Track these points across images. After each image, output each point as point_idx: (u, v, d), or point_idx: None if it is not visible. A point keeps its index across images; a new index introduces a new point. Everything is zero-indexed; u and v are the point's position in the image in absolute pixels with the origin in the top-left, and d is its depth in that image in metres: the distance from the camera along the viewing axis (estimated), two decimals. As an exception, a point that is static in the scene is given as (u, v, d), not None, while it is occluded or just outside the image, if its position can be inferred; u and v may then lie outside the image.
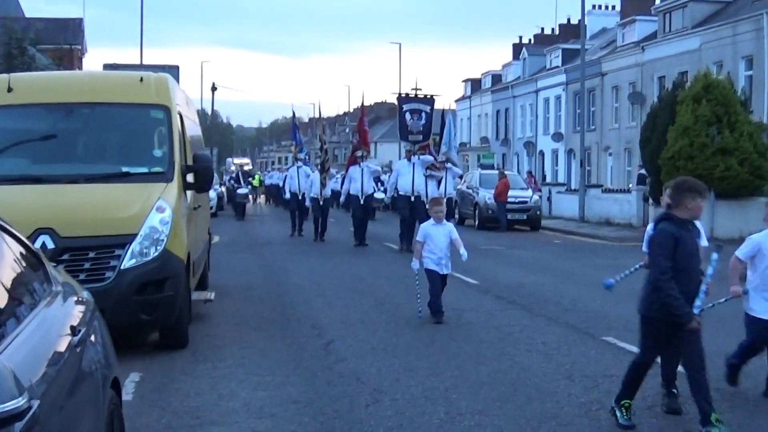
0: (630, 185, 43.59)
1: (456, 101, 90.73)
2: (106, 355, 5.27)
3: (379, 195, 34.79)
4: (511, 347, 11.70)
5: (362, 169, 28.56)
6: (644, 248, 9.63)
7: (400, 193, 26.66)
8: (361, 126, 30.28)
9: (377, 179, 40.71)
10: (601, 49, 64.10)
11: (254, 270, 21.10)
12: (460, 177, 33.40)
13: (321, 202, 30.39)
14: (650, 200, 35.76)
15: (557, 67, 68.34)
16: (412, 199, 25.69)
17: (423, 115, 27.50)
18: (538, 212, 38.91)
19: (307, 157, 37.62)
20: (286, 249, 27.38)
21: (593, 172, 59.57)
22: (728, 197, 30.94)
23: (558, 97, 68.09)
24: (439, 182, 27.08)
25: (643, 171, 38.42)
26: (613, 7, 70.50)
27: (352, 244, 27.75)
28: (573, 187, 50.54)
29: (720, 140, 30.56)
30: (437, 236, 13.82)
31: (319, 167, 31.36)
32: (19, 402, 3.17)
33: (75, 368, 4.41)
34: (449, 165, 27.49)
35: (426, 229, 13.93)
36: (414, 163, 26.11)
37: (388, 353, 11.24)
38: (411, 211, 25.50)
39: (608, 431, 7.96)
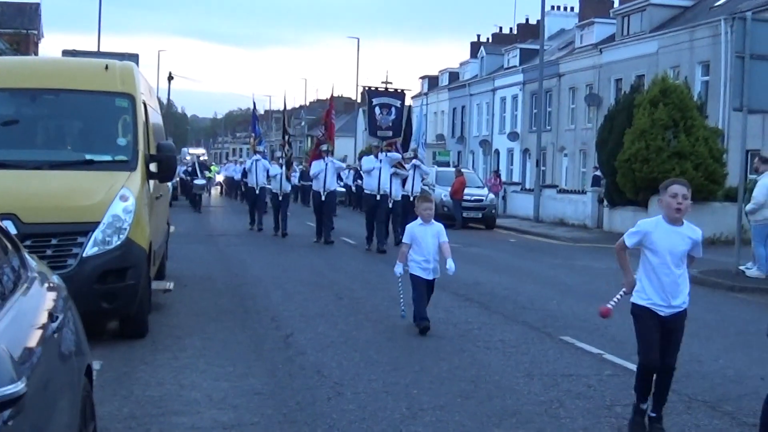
0: (584, 187, 43.85)
1: (412, 98, 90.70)
2: (80, 341, 5.28)
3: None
4: (470, 344, 11.77)
5: (326, 164, 26.79)
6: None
7: (366, 191, 26.01)
8: (328, 119, 28.71)
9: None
10: (559, 50, 64.41)
11: (212, 261, 21.07)
12: (428, 176, 32.01)
13: (280, 197, 29.56)
14: (605, 202, 36.06)
15: (515, 66, 68.58)
16: (378, 197, 25.02)
17: (393, 110, 26.85)
18: (493, 211, 39.10)
19: (265, 150, 36.97)
20: (242, 241, 27.38)
21: (548, 172, 59.87)
22: (683, 201, 31.17)
23: (515, 97, 68.33)
24: (404, 181, 26.61)
25: (598, 172, 38.73)
26: (572, 9, 70.91)
27: (312, 241, 26.94)
28: (528, 187, 50.78)
29: (676, 144, 30.84)
30: (425, 237, 12.65)
31: (283, 161, 30.26)
32: (18, 386, 3.18)
33: (54, 355, 4.42)
34: (416, 162, 27.05)
35: (412, 229, 12.73)
36: (381, 160, 25.35)
37: (348, 347, 11.28)
38: (376, 210, 24.93)
39: (568, 430, 8.03)
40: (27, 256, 5.26)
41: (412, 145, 27.26)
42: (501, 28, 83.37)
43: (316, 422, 7.95)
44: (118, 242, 10.81)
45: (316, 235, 26.96)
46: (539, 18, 46.50)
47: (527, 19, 77.52)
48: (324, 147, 27.23)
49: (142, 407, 8.28)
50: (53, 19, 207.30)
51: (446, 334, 12.38)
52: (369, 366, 10.22)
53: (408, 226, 12.98)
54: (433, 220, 12.94)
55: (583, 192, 41.09)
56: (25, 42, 53.01)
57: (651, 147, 30.96)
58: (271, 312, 13.81)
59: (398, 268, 12.85)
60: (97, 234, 10.71)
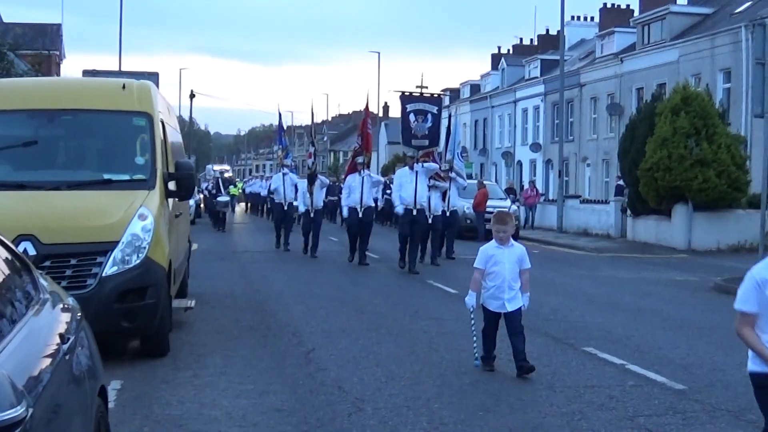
0: (607, 197, 43.73)
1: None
2: (93, 362, 5.26)
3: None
4: (492, 357, 11.70)
5: (362, 178, 24.49)
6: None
7: (400, 206, 23.55)
8: (365, 128, 26.05)
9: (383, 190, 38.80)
10: (580, 60, 64.35)
11: (234, 278, 21.07)
12: (464, 189, 29.66)
13: (312, 214, 27.14)
14: (628, 211, 35.93)
15: (536, 77, 68.51)
16: (414, 212, 22.99)
17: (429, 116, 24.51)
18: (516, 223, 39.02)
19: (293, 163, 35.29)
20: (265, 257, 27.33)
21: (571, 182, 59.77)
22: (706, 209, 31.11)
23: (536, 108, 68.24)
24: (444, 194, 25.18)
25: (621, 182, 38.60)
26: (592, 18, 70.84)
27: (346, 258, 25.16)
28: (551, 198, 50.66)
29: (698, 152, 30.70)
30: (502, 262, 10.59)
31: (307, 176, 27.94)
32: (18, 410, 3.17)
33: (65, 376, 4.41)
34: (453, 175, 25.40)
35: (487, 252, 10.68)
36: (417, 172, 23.15)
37: (369, 362, 11.23)
38: (412, 227, 22.89)
39: (590, 441, 7.97)
40: (39, 276, 5.24)
41: (448, 156, 25.87)
42: (521, 40, 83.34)
43: (336, 439, 7.92)
44: (138, 261, 10.80)
45: (350, 252, 25.06)
46: (559, 28, 46.44)
47: (547, 30, 77.49)
48: (360, 159, 25.09)
49: (162, 426, 8.26)
50: (75, 39, 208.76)
51: (468, 347, 12.26)
52: (390, 381, 10.17)
53: (482, 249, 10.83)
54: (513, 241, 10.90)
55: (606, 202, 40.99)
56: (47, 63, 53.34)
57: (673, 155, 30.84)
58: (292, 328, 13.78)
59: (470, 299, 10.84)
60: (117, 253, 10.71)
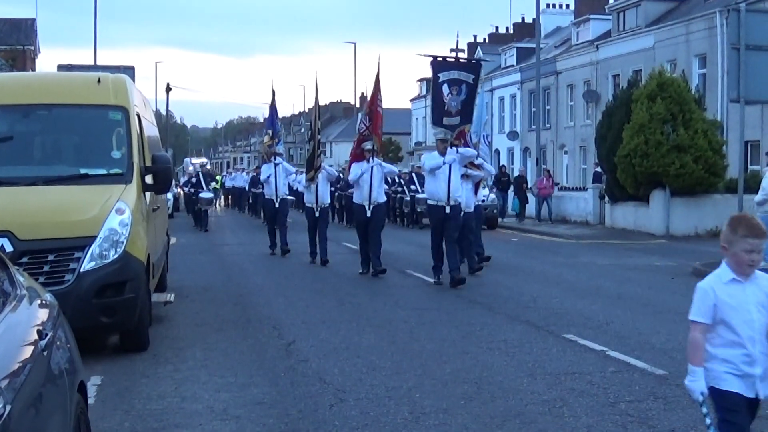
0: (585, 184, 43.79)
1: (411, 100, 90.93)
2: (71, 358, 5.23)
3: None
4: (473, 345, 11.71)
5: (371, 168, 20.03)
6: None
7: (430, 201, 18.41)
8: (374, 106, 20.86)
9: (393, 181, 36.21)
10: (556, 47, 64.42)
11: (214, 271, 21.01)
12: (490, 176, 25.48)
13: (317, 213, 22.49)
14: (606, 197, 36.01)
15: (512, 66, 68.57)
16: (447, 210, 17.88)
17: (464, 87, 19.10)
18: (495, 211, 38.94)
19: (282, 152, 28.60)
20: (244, 249, 27.24)
21: (549, 170, 59.83)
22: (684, 194, 31.20)
23: (513, 96, 68.30)
24: (477, 185, 21.08)
25: (599, 169, 38.67)
26: (567, 6, 70.90)
27: (358, 272, 20.12)
28: (529, 186, 50.69)
29: (675, 138, 30.76)
30: (742, 310, 5.70)
31: (305, 167, 23.79)
32: (-2, 406, 3.15)
33: (43, 372, 4.38)
34: (479, 160, 20.25)
35: (715, 291, 5.78)
36: (452, 159, 18.08)
37: (350, 353, 11.22)
38: (443, 225, 17.95)
39: (571, 428, 7.97)
40: (16, 273, 5.21)
41: (473, 138, 20.14)
42: (497, 28, 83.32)
43: (318, 430, 7.91)
44: (116, 256, 10.76)
45: (362, 265, 20.15)
46: (535, 17, 46.47)
47: (523, 18, 77.60)
48: (368, 145, 20.34)
49: (143, 421, 8.23)
50: (49, 34, 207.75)
51: (449, 336, 12.32)
52: (371, 371, 10.16)
53: (703, 285, 5.91)
54: (758, 272, 5.82)
55: (584, 189, 41.04)
56: (21, 58, 53.09)
57: (650, 141, 30.89)
58: (273, 320, 13.75)
59: (696, 381, 5.80)
60: (94, 248, 10.66)
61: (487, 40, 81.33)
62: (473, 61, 21.48)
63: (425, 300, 15.91)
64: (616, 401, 8.82)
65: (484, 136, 22.03)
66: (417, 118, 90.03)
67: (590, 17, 58.30)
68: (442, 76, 19.16)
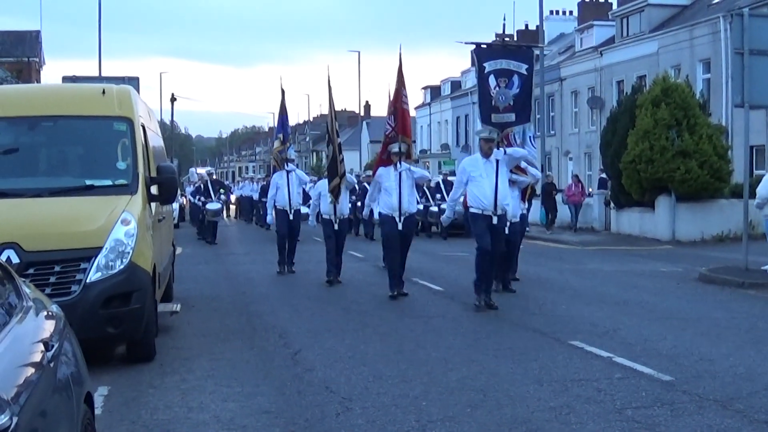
0: (590, 189, 43.73)
1: (416, 108, 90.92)
2: (78, 369, 5.24)
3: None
4: (479, 353, 11.71)
5: (399, 174, 17.40)
6: None
7: (474, 210, 15.72)
8: (398, 103, 17.99)
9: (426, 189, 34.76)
10: (560, 54, 64.44)
11: (219, 281, 21.00)
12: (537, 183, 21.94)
13: (336, 225, 20.15)
14: (611, 204, 35.99)
15: (516, 72, 68.51)
16: (494, 220, 15.53)
17: (515, 79, 16.92)
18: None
19: (295, 158, 24.54)
20: (250, 259, 27.20)
21: (554, 176, 59.77)
22: (689, 200, 31.18)
23: (518, 103, 68.22)
24: (524, 192, 18.89)
25: (604, 175, 38.63)
26: (571, 12, 70.91)
27: (387, 295, 17.29)
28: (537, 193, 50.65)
29: (680, 143, 30.76)
30: None
31: (326, 174, 20.94)
32: (2, 420, 3.15)
33: (50, 384, 4.39)
34: (525, 164, 17.75)
35: None
36: (498, 161, 15.70)
37: (356, 361, 11.22)
38: (492, 237, 15.46)
39: (579, 435, 7.97)
40: (22, 284, 5.22)
41: (516, 138, 17.53)
42: (503, 34, 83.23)
43: (325, 439, 7.91)
44: (122, 266, 10.77)
45: (391, 287, 17.33)
46: (538, 23, 46.45)
47: (526, 25, 77.29)
48: (395, 147, 17.53)
49: (150, 431, 8.24)
50: (54, 46, 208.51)
51: (455, 344, 12.32)
52: (377, 380, 10.16)
53: None
54: None
55: (590, 195, 40.99)
56: (26, 70, 53.24)
57: (655, 147, 30.89)
58: (278, 329, 13.75)
59: None
60: (100, 259, 10.68)
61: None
62: (525, 48, 19.08)
63: (431, 308, 15.90)
64: (623, 408, 8.81)
65: (530, 136, 18.52)
66: (422, 126, 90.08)
67: (594, 23, 58.31)
68: (488, 66, 17.02)
